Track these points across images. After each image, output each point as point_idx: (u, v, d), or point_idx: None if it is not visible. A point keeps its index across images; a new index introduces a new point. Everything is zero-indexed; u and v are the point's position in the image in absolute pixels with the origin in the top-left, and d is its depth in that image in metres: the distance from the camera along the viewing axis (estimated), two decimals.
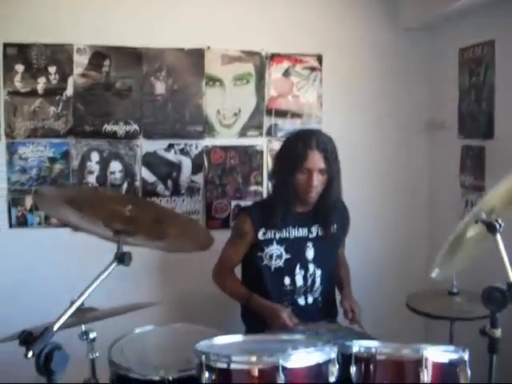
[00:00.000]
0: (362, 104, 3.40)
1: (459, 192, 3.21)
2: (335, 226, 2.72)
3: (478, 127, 3.00)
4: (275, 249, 2.63)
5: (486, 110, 2.93)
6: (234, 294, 2.69)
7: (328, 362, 1.74)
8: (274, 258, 2.62)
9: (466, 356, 1.82)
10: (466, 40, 3.09)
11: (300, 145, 2.52)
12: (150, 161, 3.16)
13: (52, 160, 3.01)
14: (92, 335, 2.05)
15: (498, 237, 2.01)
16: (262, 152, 3.32)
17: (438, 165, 3.50)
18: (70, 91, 2.99)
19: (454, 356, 1.81)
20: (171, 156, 3.19)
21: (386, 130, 3.44)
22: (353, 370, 1.78)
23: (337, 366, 1.75)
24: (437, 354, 1.78)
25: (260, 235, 2.62)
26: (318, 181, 2.53)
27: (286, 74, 3.30)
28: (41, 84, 2.95)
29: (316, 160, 2.51)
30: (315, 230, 2.68)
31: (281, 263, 2.62)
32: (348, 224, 2.83)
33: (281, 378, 1.63)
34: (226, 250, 2.72)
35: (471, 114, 3.06)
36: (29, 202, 3.00)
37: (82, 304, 1.68)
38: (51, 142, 3.00)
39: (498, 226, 2.01)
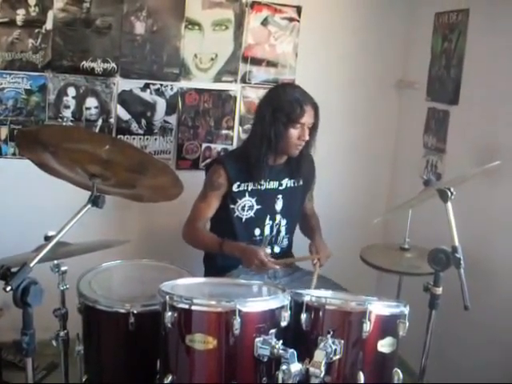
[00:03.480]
0: (336, 57, 3.47)
1: (421, 152, 3.35)
2: (302, 178, 2.80)
3: (445, 92, 3.11)
4: (247, 200, 2.68)
5: (454, 77, 3.03)
6: (206, 244, 2.66)
7: (281, 308, 1.88)
8: (245, 209, 2.68)
9: (406, 310, 1.99)
10: (442, 5, 3.16)
11: (295, 100, 2.54)
12: (126, 99, 3.20)
13: (29, 92, 3.02)
14: (63, 268, 2.16)
15: (449, 204, 2.17)
16: (235, 98, 3.38)
17: (405, 123, 3.62)
18: (49, 25, 2.96)
19: (396, 310, 1.99)
20: (147, 96, 3.23)
21: (358, 85, 3.53)
22: (303, 316, 1.94)
23: (289, 312, 1.89)
24: (380, 308, 1.95)
25: (234, 187, 2.65)
26: (308, 135, 2.59)
27: (265, 22, 3.33)
28: (20, 15, 2.91)
29: (311, 115, 2.57)
30: (285, 183, 2.76)
31: (252, 214, 2.69)
32: (314, 176, 2.91)
33: (237, 320, 1.77)
34: (198, 206, 2.68)
35: (440, 79, 3.16)
36: (4, 132, 3.03)
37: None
38: (29, 74, 3.00)
39: (449, 194, 2.17)
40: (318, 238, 2.81)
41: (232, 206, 2.67)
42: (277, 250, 2.78)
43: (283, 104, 2.56)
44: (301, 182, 2.81)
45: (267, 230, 2.73)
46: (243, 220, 2.69)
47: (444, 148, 3.13)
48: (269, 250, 2.57)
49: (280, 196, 2.75)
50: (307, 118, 2.56)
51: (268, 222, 2.73)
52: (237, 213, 2.68)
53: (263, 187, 2.70)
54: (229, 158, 2.84)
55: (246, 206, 2.68)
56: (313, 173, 2.90)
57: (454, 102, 3.04)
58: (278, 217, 2.76)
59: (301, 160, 2.72)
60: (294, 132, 2.57)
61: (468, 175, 2.50)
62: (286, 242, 2.81)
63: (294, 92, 2.61)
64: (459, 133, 3.04)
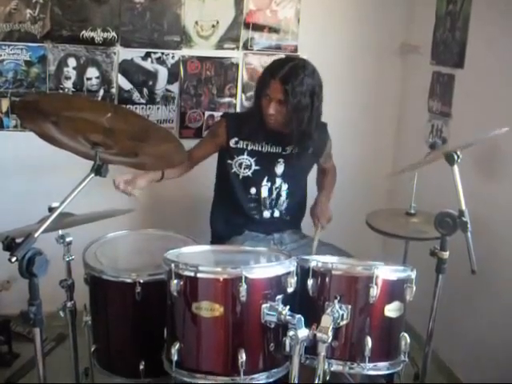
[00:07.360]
0: (339, 22, 3.42)
1: (426, 116, 3.32)
2: (311, 149, 2.74)
3: (450, 55, 3.06)
4: (245, 159, 2.70)
5: (459, 39, 2.98)
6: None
7: (287, 274, 1.88)
8: (242, 166, 2.70)
9: (413, 275, 1.98)
10: None
11: (267, 72, 2.57)
12: (127, 68, 3.17)
13: (29, 64, 3.00)
14: (68, 239, 2.16)
15: (456, 168, 2.15)
16: (237, 65, 3.34)
17: (409, 88, 3.57)
18: None
19: (403, 274, 1.98)
20: (148, 64, 3.20)
21: (362, 50, 3.48)
22: (310, 282, 1.94)
23: (295, 278, 1.89)
24: (387, 273, 1.94)
25: (232, 143, 2.69)
26: (273, 110, 2.53)
27: None
28: None
29: (275, 90, 2.50)
30: (289, 149, 2.73)
31: (249, 173, 2.70)
32: (325, 146, 2.86)
33: (243, 287, 1.77)
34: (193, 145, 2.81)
35: (445, 42, 3.11)
36: (5, 104, 3.02)
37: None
38: (28, 45, 2.97)
39: (456, 158, 2.14)
40: (321, 198, 2.86)
41: (229, 162, 2.71)
42: (276, 213, 2.80)
43: (261, 74, 2.67)
44: (309, 151, 2.75)
45: (265, 192, 2.75)
46: (240, 177, 2.72)
47: (449, 112, 3.09)
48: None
49: (281, 160, 2.74)
50: (271, 91, 2.52)
51: (266, 183, 2.74)
52: (234, 169, 2.72)
53: (264, 149, 2.71)
54: (233, 114, 2.99)
55: (244, 164, 2.71)
56: (324, 142, 2.86)
57: (459, 66, 2.99)
58: (279, 180, 2.76)
59: (302, 134, 2.63)
60: (263, 102, 2.58)
61: (475, 141, 2.45)
62: (285, 205, 2.80)
63: (273, 66, 2.59)
64: (465, 97, 3.00)
